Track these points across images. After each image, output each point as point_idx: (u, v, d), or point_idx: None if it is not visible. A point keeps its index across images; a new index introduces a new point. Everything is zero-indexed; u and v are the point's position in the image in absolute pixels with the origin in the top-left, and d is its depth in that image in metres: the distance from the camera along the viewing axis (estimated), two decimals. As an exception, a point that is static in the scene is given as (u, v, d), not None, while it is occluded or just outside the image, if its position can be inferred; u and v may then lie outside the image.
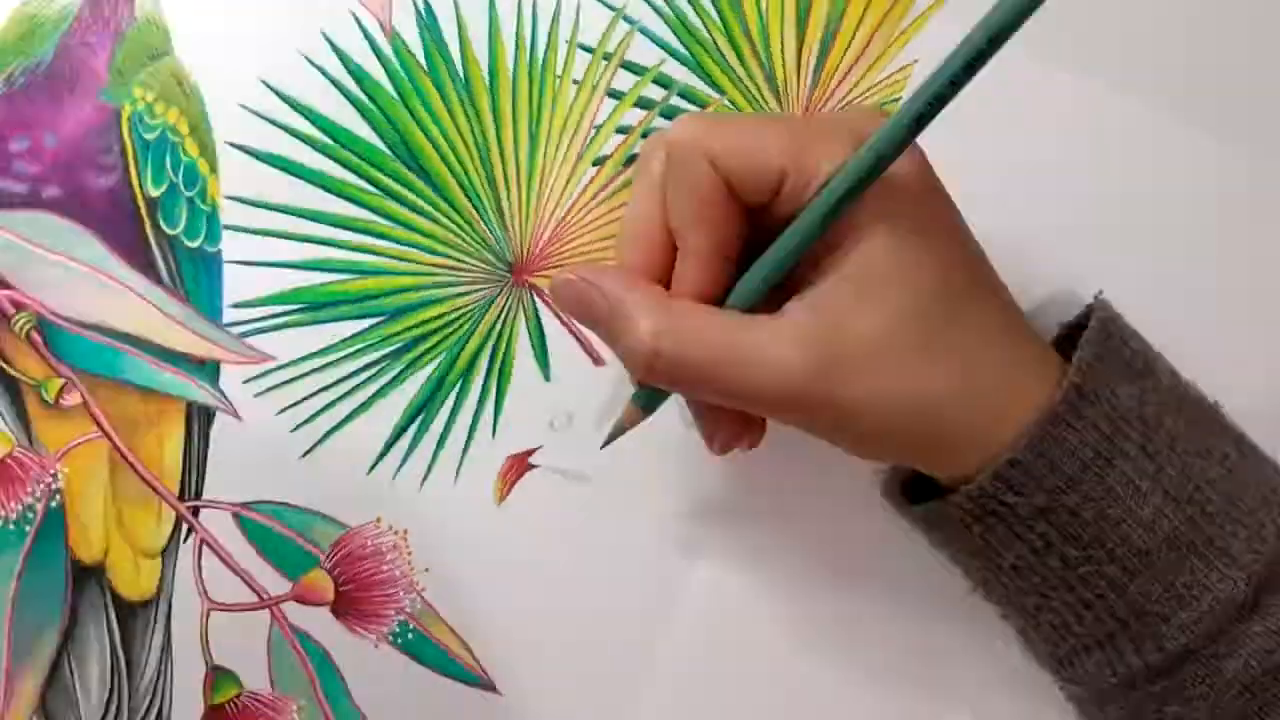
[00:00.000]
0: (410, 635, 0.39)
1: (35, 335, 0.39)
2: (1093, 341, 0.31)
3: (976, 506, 0.31)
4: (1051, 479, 0.30)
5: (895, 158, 0.29)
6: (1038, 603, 0.32)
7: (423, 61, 0.40)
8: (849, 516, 0.39)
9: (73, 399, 0.39)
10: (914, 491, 0.35)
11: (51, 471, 0.39)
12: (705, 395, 0.33)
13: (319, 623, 0.39)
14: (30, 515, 0.39)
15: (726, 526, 0.40)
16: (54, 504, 0.39)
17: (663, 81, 0.41)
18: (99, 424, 0.39)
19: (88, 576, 0.39)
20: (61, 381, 0.39)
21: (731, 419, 0.34)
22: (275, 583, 0.39)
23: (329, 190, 0.40)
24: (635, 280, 0.32)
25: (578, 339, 0.40)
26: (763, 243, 0.31)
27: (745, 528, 0.40)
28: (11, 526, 0.38)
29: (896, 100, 0.41)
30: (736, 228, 0.31)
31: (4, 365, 0.39)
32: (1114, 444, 0.30)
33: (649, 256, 0.32)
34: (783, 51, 0.41)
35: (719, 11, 0.41)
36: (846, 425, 0.31)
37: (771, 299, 0.31)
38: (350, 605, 0.39)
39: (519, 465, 0.40)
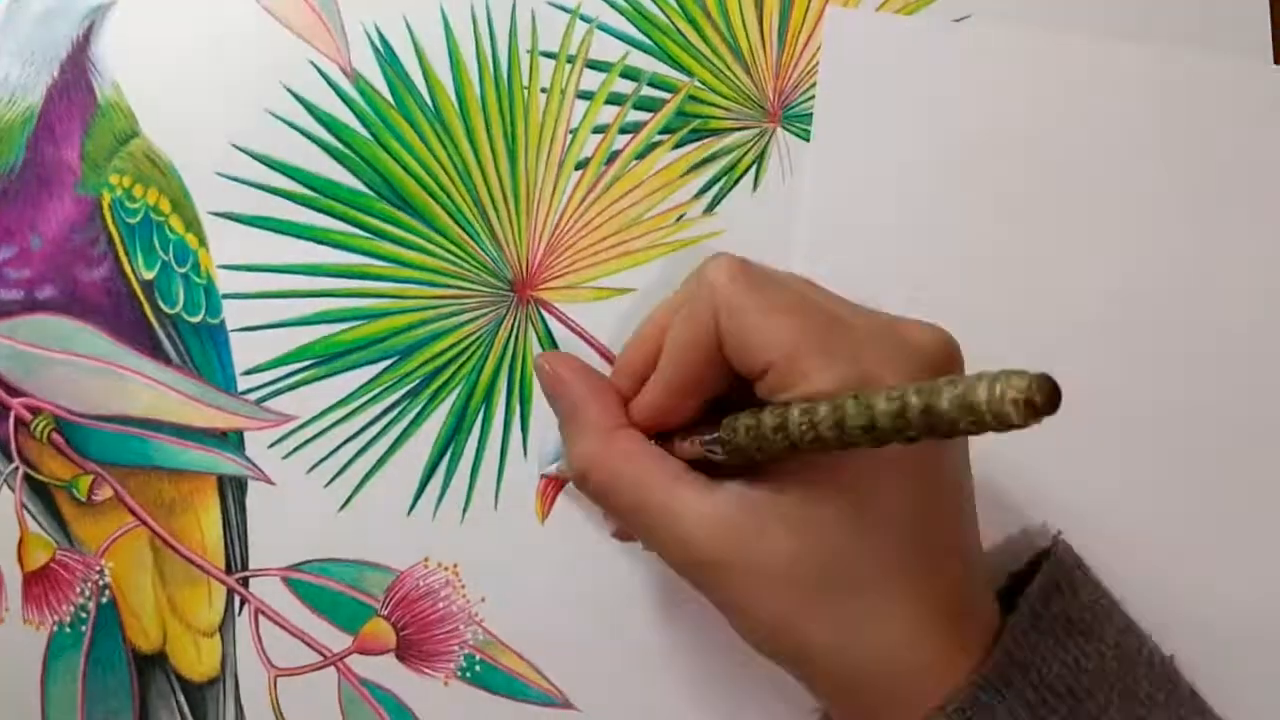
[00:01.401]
0: (478, 667, 0.39)
1: (56, 437, 0.39)
2: (1027, 609, 0.30)
3: None
4: None
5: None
6: None
7: (389, 97, 0.40)
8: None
9: (104, 493, 0.39)
10: None
11: (97, 569, 0.39)
12: (621, 523, 0.34)
13: (385, 670, 0.39)
14: (84, 615, 0.38)
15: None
16: (104, 600, 0.39)
17: (630, 74, 0.41)
18: (135, 513, 0.39)
19: (150, 665, 0.39)
20: (91, 478, 0.39)
21: None
22: (335, 639, 0.39)
23: (319, 242, 0.40)
24: (599, 392, 0.34)
25: (591, 345, 0.40)
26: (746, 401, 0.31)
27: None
28: (68, 629, 0.38)
29: (866, 51, 0.41)
30: (715, 381, 0.31)
31: (31, 472, 0.39)
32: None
33: (644, 361, 0.33)
34: (744, 22, 0.41)
35: (673, -6, 0.41)
36: (735, 623, 0.31)
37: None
38: (413, 648, 0.39)
39: (556, 480, 0.39)
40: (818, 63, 0.41)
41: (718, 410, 0.31)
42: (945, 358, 0.30)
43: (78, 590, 0.39)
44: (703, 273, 0.31)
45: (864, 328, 0.30)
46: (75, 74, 0.40)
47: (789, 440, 0.27)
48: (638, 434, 0.33)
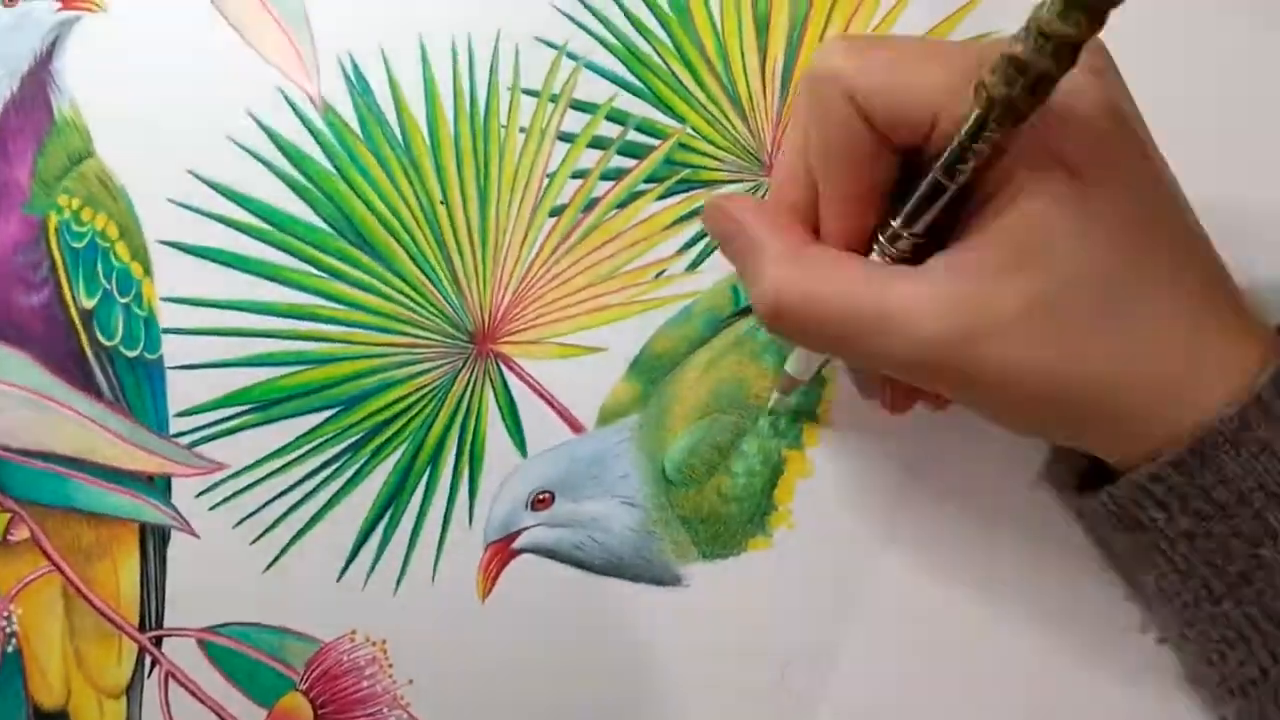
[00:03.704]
0: (399, 757, 0.35)
1: (-23, 470, 0.36)
2: None
3: (1120, 512, 0.27)
4: (1200, 503, 0.26)
5: (1032, 104, 0.24)
6: (1181, 628, 0.28)
7: (357, 130, 0.38)
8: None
9: (20, 534, 0.36)
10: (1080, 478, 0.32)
11: (4, 614, 0.36)
12: (833, 354, 0.30)
13: (300, 752, 0.35)
14: (-15, 664, 0.36)
15: (736, 599, 0.35)
16: (9, 648, 0.36)
17: (617, 117, 0.38)
18: (49, 557, 0.36)
19: (50, 725, 0.36)
20: (9, 516, 0.36)
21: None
22: (249, 711, 0.35)
23: (269, 278, 0.37)
24: (778, 219, 0.29)
25: (553, 407, 0.36)
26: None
27: (763, 599, 0.35)
28: (-34, 678, 0.36)
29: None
30: (882, 170, 0.27)
31: (-53, 505, 0.36)
32: None
33: (799, 195, 0.29)
34: (744, 67, 0.38)
35: (670, 34, 0.38)
36: (983, 398, 0.27)
37: (922, 250, 0.27)
38: (331, 729, 0.35)
39: (501, 553, 0.36)
40: (822, 114, 0.37)
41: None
42: None
43: (-19, 637, 0.36)
44: (814, 66, 0.27)
45: (986, 46, 0.26)
46: (34, 89, 0.38)
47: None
48: (827, 246, 0.29)
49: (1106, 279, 0.26)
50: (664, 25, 0.38)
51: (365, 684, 0.35)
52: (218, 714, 0.35)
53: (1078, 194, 0.25)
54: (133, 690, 0.36)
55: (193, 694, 0.35)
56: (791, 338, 0.30)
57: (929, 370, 0.27)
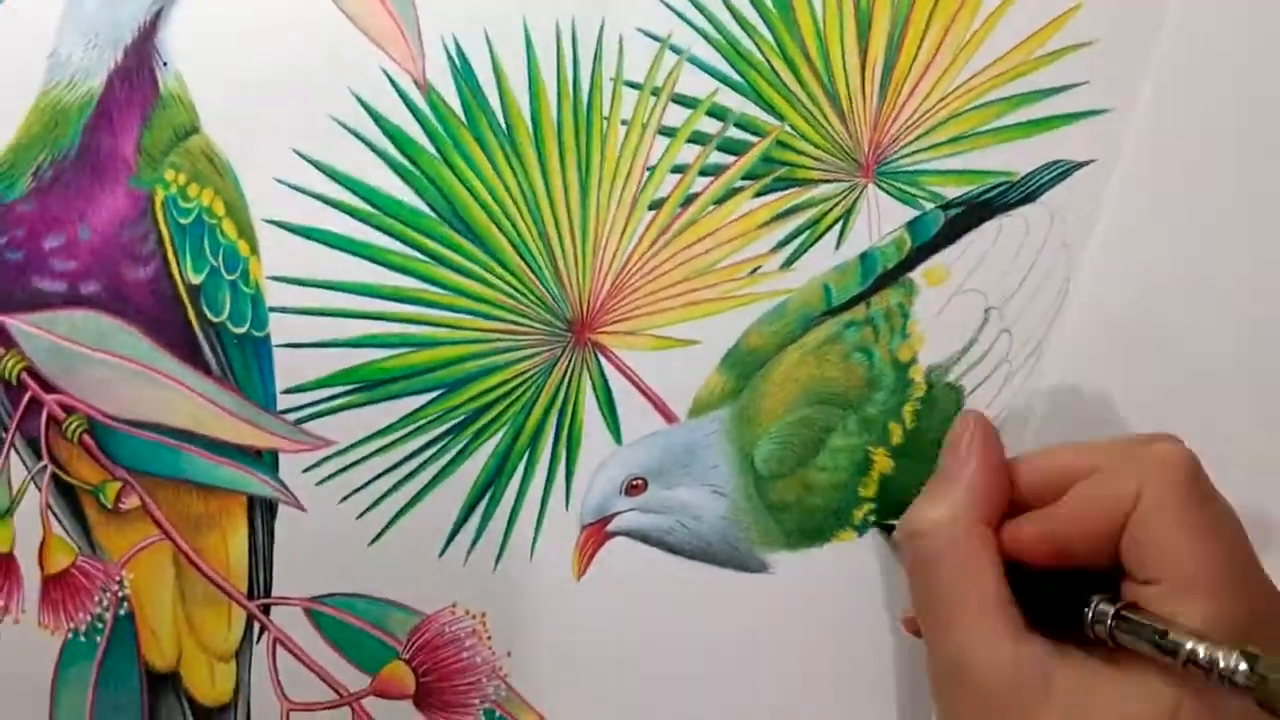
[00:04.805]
0: (498, 724, 0.37)
1: (87, 439, 0.37)
2: None
3: None
4: None
5: None
6: None
7: (461, 115, 0.38)
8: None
9: (131, 502, 0.37)
10: None
11: (117, 579, 0.37)
12: (914, 603, 0.32)
13: (401, 716, 0.37)
14: (99, 625, 0.37)
15: (820, 588, 0.37)
16: (122, 612, 0.37)
17: (717, 113, 0.38)
18: (160, 526, 0.37)
19: (163, 684, 0.37)
20: (119, 484, 0.37)
21: None
22: (354, 678, 0.37)
23: (375, 261, 0.38)
24: (994, 479, 0.31)
25: (648, 396, 0.38)
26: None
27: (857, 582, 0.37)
28: (82, 638, 0.37)
29: (972, 111, 0.38)
30: (1100, 551, 0.29)
31: (59, 472, 0.37)
32: None
33: (1043, 480, 0.31)
34: (845, 68, 0.38)
35: (773, 31, 0.38)
36: None
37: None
38: (433, 696, 0.37)
39: (596, 535, 0.37)
40: (920, 116, 0.38)
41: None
42: None
43: (96, 599, 0.37)
44: (1153, 447, 0.29)
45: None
46: (139, 61, 0.38)
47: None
48: (994, 542, 0.30)
49: None
50: (767, 21, 0.38)
51: (465, 655, 0.37)
52: (323, 679, 0.37)
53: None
54: (242, 654, 0.37)
55: (299, 659, 0.37)
56: (901, 560, 0.32)
57: (945, 695, 0.29)
